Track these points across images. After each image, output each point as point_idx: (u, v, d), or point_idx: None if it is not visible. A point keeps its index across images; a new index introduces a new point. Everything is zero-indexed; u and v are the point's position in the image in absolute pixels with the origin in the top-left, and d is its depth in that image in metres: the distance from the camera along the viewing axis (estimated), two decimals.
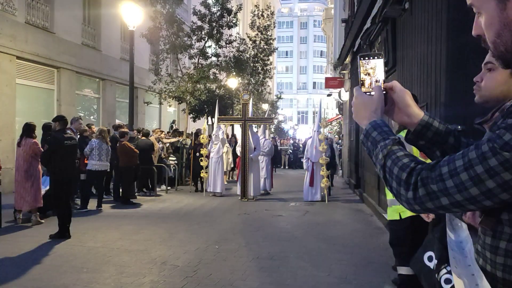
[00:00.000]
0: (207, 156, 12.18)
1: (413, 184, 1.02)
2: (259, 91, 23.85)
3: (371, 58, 1.30)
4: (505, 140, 0.92)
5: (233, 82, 18.72)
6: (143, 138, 11.73)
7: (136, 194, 11.25)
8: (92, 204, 9.36)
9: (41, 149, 7.50)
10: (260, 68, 23.17)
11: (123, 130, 10.78)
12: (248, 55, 21.05)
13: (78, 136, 9.24)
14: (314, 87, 77.83)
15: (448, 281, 1.56)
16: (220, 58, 17.50)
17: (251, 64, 21.85)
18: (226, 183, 13.55)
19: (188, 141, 14.44)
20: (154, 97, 17.55)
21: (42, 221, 7.70)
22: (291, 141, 31.75)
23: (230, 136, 18.19)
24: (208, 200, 11.25)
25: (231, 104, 18.29)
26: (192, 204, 10.54)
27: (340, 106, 22.18)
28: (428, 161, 1.12)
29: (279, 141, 29.23)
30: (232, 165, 15.97)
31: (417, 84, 5.90)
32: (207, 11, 16.21)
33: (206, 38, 16.34)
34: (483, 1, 1.04)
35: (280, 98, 34.62)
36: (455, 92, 4.43)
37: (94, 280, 4.83)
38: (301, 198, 11.65)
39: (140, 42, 14.72)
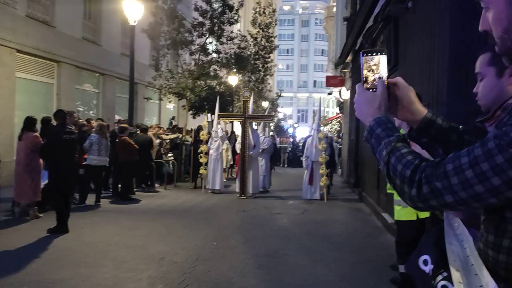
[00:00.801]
0: (207, 153, 12.16)
1: (417, 181, 1.01)
2: (260, 88, 23.83)
3: (374, 54, 1.27)
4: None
5: (233, 79, 18.69)
6: (142, 134, 11.70)
7: (135, 189, 11.23)
8: (91, 199, 9.33)
9: (42, 142, 7.48)
10: (260, 66, 23.16)
11: (123, 125, 10.76)
12: (249, 52, 21.02)
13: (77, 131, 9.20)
14: (314, 86, 77.79)
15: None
16: (221, 55, 17.43)
17: (252, 61, 21.83)
18: (225, 180, 13.54)
19: (188, 138, 14.41)
20: (154, 93, 17.51)
21: (41, 215, 7.67)
22: (291, 140, 31.75)
23: (229, 133, 18.17)
24: (206, 197, 11.23)
25: (231, 101, 18.25)
26: (190, 201, 10.52)
27: (340, 104, 22.17)
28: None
29: (278, 139, 29.21)
30: (231, 162, 15.95)
31: (419, 83, 5.88)
32: (209, 7, 16.14)
33: (207, 34, 16.28)
34: None
35: (280, 96, 34.59)
36: (457, 91, 4.41)
37: (92, 275, 4.81)
38: (299, 196, 11.64)
39: (140, 37, 14.64)
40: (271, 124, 29.42)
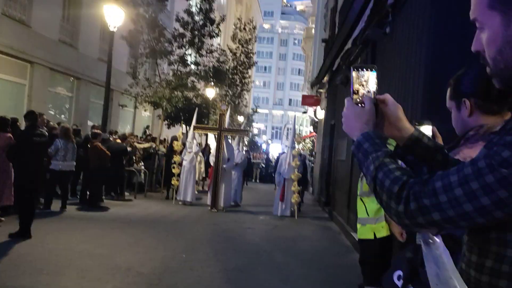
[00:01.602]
0: (180, 164, 12.03)
1: (404, 198, 0.99)
2: (236, 103, 23.91)
3: (365, 70, 1.28)
4: (503, 157, 0.90)
5: (210, 92, 18.69)
6: (118, 141, 11.48)
7: (104, 197, 10.95)
8: (56, 204, 9.04)
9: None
10: (238, 81, 23.30)
11: (95, 131, 10.53)
12: (227, 67, 21.13)
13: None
14: (290, 104, 78.65)
15: None
16: (199, 67, 17.46)
17: (230, 76, 21.94)
18: (196, 192, 13.40)
19: (161, 148, 14.23)
20: (130, 101, 17.30)
21: (3, 218, 7.36)
22: (264, 156, 31.84)
23: (204, 146, 18.08)
24: (177, 208, 11.07)
25: (207, 114, 18.22)
26: (160, 211, 10.34)
27: (314, 124, 22.45)
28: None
29: (251, 154, 29.24)
30: (204, 175, 15.83)
31: None
32: (190, 19, 16.20)
33: (187, 46, 16.30)
34: (487, 16, 1.02)
35: (256, 112, 34.80)
36: (431, 112, 4.54)
37: (54, 283, 4.63)
38: (270, 212, 11.63)
39: (119, 44, 14.50)
40: (245, 139, 29.47)
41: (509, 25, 0.99)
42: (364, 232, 3.99)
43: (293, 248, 7.70)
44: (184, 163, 12.05)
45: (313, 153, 24.18)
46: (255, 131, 48.69)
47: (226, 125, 12.02)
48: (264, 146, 53.94)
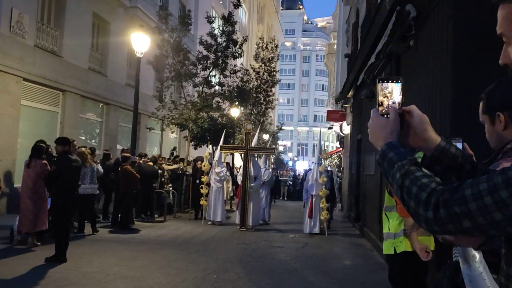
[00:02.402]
0: (208, 184, 12.12)
1: (433, 204, 1.00)
2: (261, 121, 24.00)
3: (390, 82, 1.31)
4: None
5: (235, 112, 18.87)
6: (150, 163, 11.70)
7: (134, 219, 11.13)
8: (87, 228, 9.22)
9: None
10: (262, 99, 23.43)
11: (125, 154, 10.78)
12: (251, 86, 21.32)
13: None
14: (314, 120, 78.41)
15: None
16: (224, 87, 17.70)
17: (254, 95, 22.11)
18: (226, 212, 13.43)
19: (189, 169, 14.40)
20: (157, 123, 17.64)
21: (38, 243, 7.58)
22: (291, 173, 31.68)
23: (231, 165, 18.18)
24: (206, 229, 11.11)
25: (233, 133, 18.37)
26: (190, 232, 10.41)
27: (341, 139, 22.27)
28: None
29: (278, 172, 29.17)
30: (231, 194, 15.88)
31: None
32: (213, 42, 16.52)
33: (211, 67, 16.59)
34: None
35: (281, 129, 34.77)
36: (460, 129, 4.46)
37: None
38: (300, 230, 11.52)
39: (145, 69, 14.92)
40: (271, 157, 29.45)
41: None
42: (386, 247, 3.93)
43: (324, 266, 7.59)
44: (212, 183, 12.14)
45: (341, 168, 23.92)
46: (281, 148, 48.62)
47: (253, 144, 12.10)
48: (290, 164, 53.74)
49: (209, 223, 11.84)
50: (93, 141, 15.63)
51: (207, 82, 16.54)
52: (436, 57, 5.49)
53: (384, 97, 1.30)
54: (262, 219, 12.66)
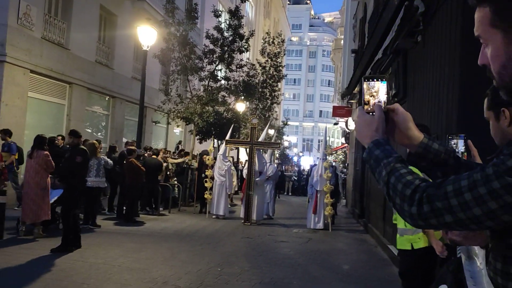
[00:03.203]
0: (212, 178, 12.15)
1: (417, 200, 1.05)
2: (266, 116, 24.00)
3: (375, 80, 1.35)
4: (508, 165, 0.97)
5: (241, 106, 18.87)
6: (154, 156, 11.75)
7: (139, 212, 11.19)
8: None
9: (52, 162, 7.54)
10: (268, 94, 23.42)
11: (131, 147, 10.82)
12: (257, 80, 21.30)
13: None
14: (320, 115, 78.20)
15: None
16: (229, 82, 17.70)
17: (260, 89, 22.09)
18: (229, 206, 13.48)
19: (194, 162, 14.44)
20: (162, 117, 17.68)
21: (44, 234, 7.65)
22: (296, 169, 31.67)
23: (236, 159, 18.20)
24: (211, 222, 11.16)
25: (238, 128, 18.39)
26: (194, 225, 10.46)
27: (346, 135, 22.23)
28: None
29: (283, 167, 29.16)
30: (236, 189, 15.91)
31: (428, 115, 5.93)
32: (220, 36, 16.50)
33: (217, 62, 16.58)
34: (490, 33, 1.08)
35: (286, 124, 34.75)
36: (467, 124, 4.44)
37: None
38: (303, 225, 11.54)
39: (152, 62, 14.93)
40: (276, 152, 29.45)
41: (510, 42, 1.05)
42: (402, 242, 3.92)
43: (328, 261, 7.60)
44: (216, 177, 12.17)
45: (346, 164, 23.89)
46: (286, 143, 48.59)
47: (261, 139, 12.13)
48: (295, 159, 53.71)
49: (213, 217, 11.89)
50: (99, 134, 15.70)
51: (213, 76, 16.55)
52: (444, 53, 5.45)
53: (371, 96, 1.34)
54: (266, 213, 12.69)
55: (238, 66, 17.44)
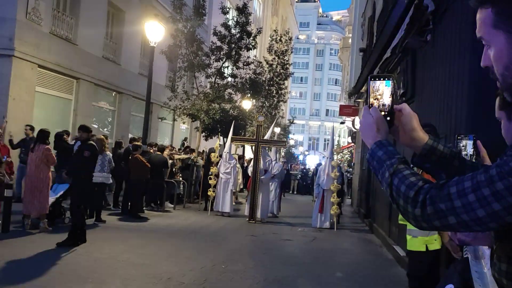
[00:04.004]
0: (217, 175, 12.14)
1: (421, 201, 1.04)
2: (273, 114, 23.96)
3: (382, 79, 1.34)
4: (511, 166, 0.96)
5: (247, 104, 18.84)
6: (158, 153, 11.76)
7: (144, 208, 11.21)
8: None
9: (53, 156, 7.57)
10: (274, 92, 23.37)
11: (136, 143, 10.83)
12: (264, 78, 21.25)
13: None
14: (327, 114, 77.98)
15: None
16: (236, 79, 17.67)
17: (266, 87, 22.05)
18: (234, 203, 13.46)
19: (199, 159, 14.44)
20: (168, 113, 17.70)
21: (50, 228, 7.68)
22: (301, 167, 31.63)
23: (241, 157, 18.17)
24: (215, 219, 11.16)
25: (244, 126, 18.36)
26: (199, 222, 10.46)
27: (352, 134, 22.14)
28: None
29: (289, 165, 29.13)
30: (241, 186, 15.89)
31: (436, 115, 5.86)
32: (227, 33, 16.47)
33: (224, 59, 16.56)
34: (492, 35, 1.07)
35: (292, 123, 34.69)
36: (476, 125, 4.38)
37: None
38: (309, 223, 11.51)
39: (159, 58, 14.93)
40: (282, 151, 29.41)
41: None
42: (414, 244, 3.87)
43: (333, 260, 7.57)
44: (221, 174, 12.16)
45: (352, 164, 23.80)
46: (292, 142, 48.53)
47: (267, 136, 12.11)
48: (301, 158, 53.62)
49: (218, 214, 11.88)
50: (105, 129, 15.75)
51: (219, 73, 16.53)
52: (453, 52, 5.39)
53: (375, 99, 1.33)
54: (271, 211, 12.67)
55: (245, 64, 17.41)
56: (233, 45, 16.45)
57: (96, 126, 14.88)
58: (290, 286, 5.68)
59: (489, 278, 1.50)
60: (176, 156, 13.85)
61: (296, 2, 67.77)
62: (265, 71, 21.98)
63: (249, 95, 18.73)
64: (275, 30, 25.65)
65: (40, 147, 7.58)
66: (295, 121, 36.15)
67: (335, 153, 11.98)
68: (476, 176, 0.99)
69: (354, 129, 19.93)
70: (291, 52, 25.59)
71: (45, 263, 5.69)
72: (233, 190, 13.14)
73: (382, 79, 1.34)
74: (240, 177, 15.10)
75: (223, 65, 16.74)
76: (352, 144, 23.86)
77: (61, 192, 8.03)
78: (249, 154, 20.45)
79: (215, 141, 15.31)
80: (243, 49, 16.72)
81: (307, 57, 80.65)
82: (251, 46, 16.76)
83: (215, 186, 12.04)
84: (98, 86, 14.75)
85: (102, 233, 8.01)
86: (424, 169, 1.37)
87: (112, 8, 15.56)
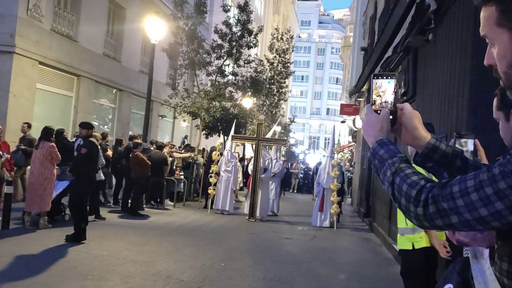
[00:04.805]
0: (217, 174, 12.14)
1: (423, 200, 1.04)
2: (273, 112, 23.94)
3: (384, 78, 1.34)
4: None
5: (248, 102, 18.83)
6: (157, 150, 11.76)
7: (144, 206, 11.21)
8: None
9: (58, 153, 7.56)
10: (275, 90, 23.34)
11: (136, 141, 10.83)
12: (264, 77, 21.23)
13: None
14: (327, 113, 77.93)
15: None
16: (237, 77, 17.65)
17: (267, 86, 22.02)
18: (234, 202, 13.47)
19: (199, 158, 14.44)
20: (169, 111, 17.68)
21: (50, 225, 7.69)
22: (302, 166, 31.60)
23: (242, 155, 18.17)
24: (215, 218, 11.16)
25: (245, 124, 18.35)
26: (199, 220, 10.46)
27: (353, 133, 22.12)
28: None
29: (289, 164, 29.09)
30: (241, 185, 15.89)
31: (437, 114, 5.86)
32: (228, 31, 16.44)
33: (225, 57, 16.54)
34: (496, 33, 1.07)
35: (293, 121, 34.62)
36: (477, 124, 4.38)
37: None
38: (308, 222, 11.51)
39: (159, 56, 14.92)
40: (282, 149, 29.41)
41: None
42: (402, 242, 3.88)
43: (332, 259, 7.57)
44: (222, 172, 12.16)
45: (352, 163, 23.79)
46: (292, 141, 48.50)
47: (268, 136, 12.10)
48: (301, 156, 53.58)
49: (218, 212, 11.88)
50: (106, 127, 15.75)
51: (220, 71, 16.51)
52: (455, 51, 5.38)
53: (377, 96, 1.32)
54: (271, 210, 12.67)
55: (246, 62, 17.38)
56: (234, 43, 16.42)
57: (96, 123, 14.86)
58: (290, 284, 5.68)
59: (490, 277, 1.50)
60: (176, 155, 13.85)
61: (298, 0, 67.66)
62: (266, 69, 21.96)
63: (249, 93, 18.72)
64: (276, 29, 25.58)
65: (45, 144, 7.59)
66: (295, 120, 36.07)
67: (335, 152, 11.92)
68: (478, 175, 0.99)
69: (354, 128, 19.92)
70: (292, 50, 25.55)
71: (45, 260, 5.70)
72: (233, 189, 13.14)
73: (384, 77, 1.34)
74: (240, 175, 15.10)
75: (224, 63, 16.72)
76: (353, 143, 23.85)
77: (61, 190, 8.03)
78: (249, 152, 20.44)
79: (216, 139, 15.31)
80: (244, 47, 16.69)
81: (308, 56, 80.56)
82: (252, 44, 16.73)
83: (215, 184, 12.04)
84: (99, 83, 14.74)
85: (102, 231, 8.01)
86: (426, 168, 1.36)
87: (113, 5, 15.55)
